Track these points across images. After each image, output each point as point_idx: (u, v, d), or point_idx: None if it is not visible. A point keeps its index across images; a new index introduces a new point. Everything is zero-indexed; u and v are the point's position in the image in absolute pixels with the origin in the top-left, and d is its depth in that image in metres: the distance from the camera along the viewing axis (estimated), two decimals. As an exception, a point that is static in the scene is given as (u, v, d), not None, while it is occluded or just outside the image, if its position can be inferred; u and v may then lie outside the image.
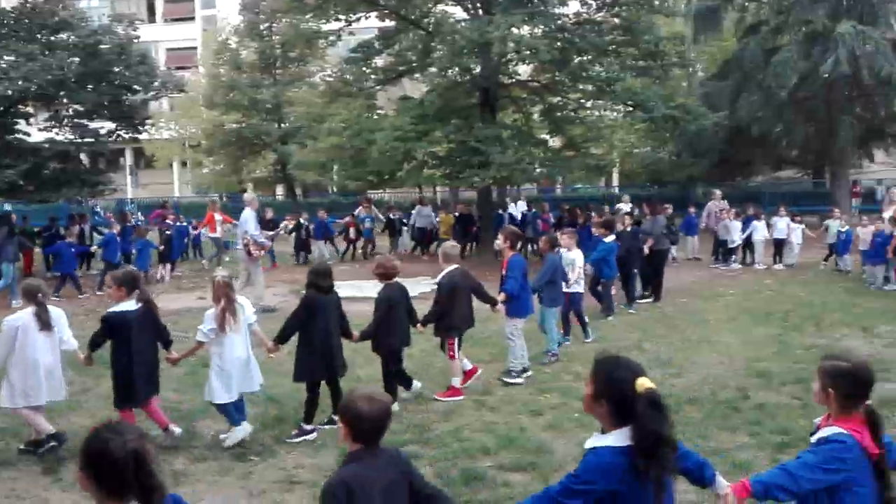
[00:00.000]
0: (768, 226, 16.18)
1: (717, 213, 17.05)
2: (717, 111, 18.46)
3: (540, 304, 8.53)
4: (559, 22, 15.84)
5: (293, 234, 18.34)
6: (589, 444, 2.59)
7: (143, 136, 34.04)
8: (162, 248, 16.36)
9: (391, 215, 20.11)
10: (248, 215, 12.01)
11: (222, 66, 29.45)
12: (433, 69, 15.98)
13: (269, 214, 17.98)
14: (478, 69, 15.63)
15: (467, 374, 7.46)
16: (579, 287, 9.44)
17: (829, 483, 2.69)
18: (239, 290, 11.64)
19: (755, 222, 16.10)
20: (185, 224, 19.06)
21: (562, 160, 16.39)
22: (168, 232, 16.84)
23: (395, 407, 6.70)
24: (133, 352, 5.89)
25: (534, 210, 18.87)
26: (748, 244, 16.39)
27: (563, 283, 8.95)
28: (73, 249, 14.92)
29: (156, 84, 20.07)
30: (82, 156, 23.34)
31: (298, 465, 5.73)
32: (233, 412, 6.09)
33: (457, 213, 18.94)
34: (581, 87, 17.19)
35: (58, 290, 13.61)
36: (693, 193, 28.48)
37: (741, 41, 23.42)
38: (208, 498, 5.20)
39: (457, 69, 15.44)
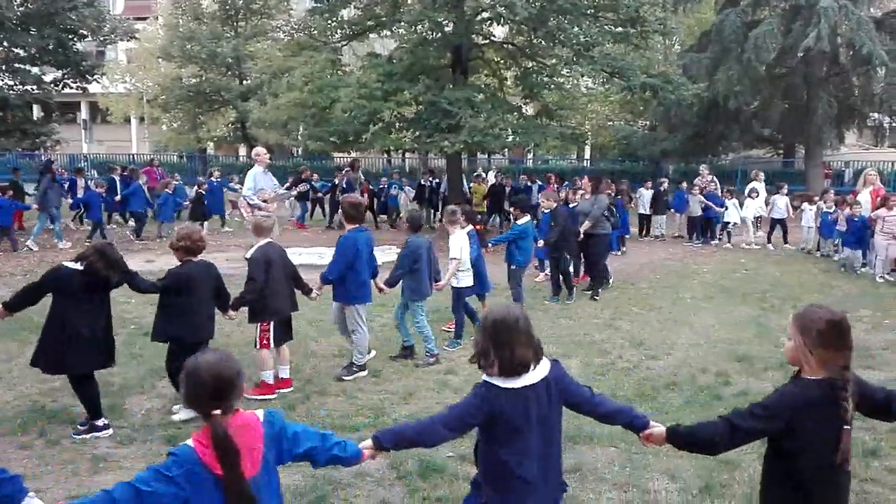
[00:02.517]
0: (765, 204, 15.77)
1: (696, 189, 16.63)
2: (694, 84, 17.91)
3: (402, 297, 7.28)
4: (537, -23, 15.02)
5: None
6: None
7: (98, 90, 32.58)
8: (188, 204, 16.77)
9: (422, 181, 18.86)
10: (251, 172, 10.83)
11: (182, 16, 27.94)
12: (403, 23, 15.02)
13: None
14: (450, 26, 14.73)
15: (281, 382, 6.32)
16: (462, 280, 7.82)
17: (164, 500, 2.33)
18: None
19: (748, 200, 15.66)
20: (220, 180, 17.99)
21: (536, 127, 15.64)
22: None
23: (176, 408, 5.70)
24: None
25: (566, 182, 17.96)
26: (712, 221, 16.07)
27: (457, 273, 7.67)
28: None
29: (105, 29, 18.76)
30: (35, 108, 21.98)
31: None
32: None
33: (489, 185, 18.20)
34: (557, 51, 16.46)
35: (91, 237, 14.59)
36: (664, 169, 28.14)
37: (721, 13, 22.86)
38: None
39: (427, 24, 14.48)
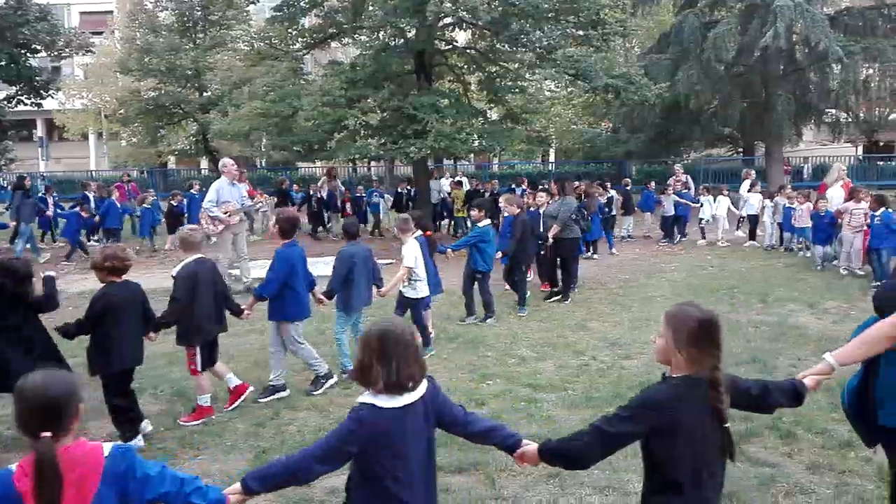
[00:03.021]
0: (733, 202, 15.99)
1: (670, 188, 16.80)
2: (656, 84, 18.09)
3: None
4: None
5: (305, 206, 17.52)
6: None
7: (55, 106, 31.80)
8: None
9: (399, 189, 18.48)
10: (216, 184, 10.53)
11: (139, 28, 27.42)
12: (365, 29, 14.86)
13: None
14: (412, 32, 14.64)
15: (236, 392, 6.10)
16: (419, 290, 7.44)
17: None
18: (227, 266, 10.33)
19: (721, 197, 15.83)
20: (200, 193, 17.39)
21: (502, 131, 15.60)
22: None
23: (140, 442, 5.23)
24: None
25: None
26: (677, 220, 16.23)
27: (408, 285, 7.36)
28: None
29: (60, 44, 18.28)
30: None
31: (205, 473, 4.86)
32: None
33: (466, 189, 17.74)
34: (520, 55, 16.48)
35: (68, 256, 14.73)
36: (628, 170, 28.41)
37: (679, 14, 23.20)
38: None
39: (390, 30, 14.34)
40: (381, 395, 2.55)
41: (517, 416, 5.76)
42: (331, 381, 6.52)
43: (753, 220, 15.63)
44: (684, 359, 2.51)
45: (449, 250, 8.92)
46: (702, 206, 15.87)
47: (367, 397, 2.58)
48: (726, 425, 2.50)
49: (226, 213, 10.36)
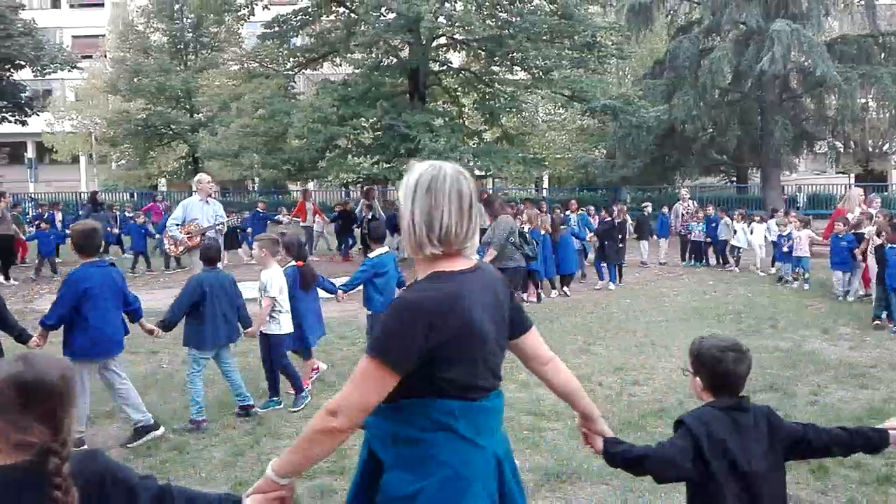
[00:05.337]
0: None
1: (684, 214, 16.29)
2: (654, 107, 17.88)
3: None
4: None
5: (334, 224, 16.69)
6: None
7: (44, 128, 31.48)
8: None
9: None
10: (184, 201, 9.89)
11: (129, 49, 27.18)
12: (358, 48, 14.53)
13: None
14: (406, 50, 14.33)
15: None
16: (279, 325, 6.19)
17: None
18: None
19: (755, 225, 15.11)
20: (265, 212, 17.08)
21: (497, 152, 15.21)
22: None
23: None
24: None
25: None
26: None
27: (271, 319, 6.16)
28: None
29: (44, 60, 17.90)
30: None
31: None
32: None
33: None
34: (515, 77, 16.22)
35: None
36: (623, 196, 28.15)
37: (674, 39, 23.13)
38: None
39: (383, 46, 14.00)
40: None
41: (522, 446, 5.26)
42: (156, 433, 5.49)
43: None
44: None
45: (340, 292, 7.16)
46: (735, 233, 15.23)
47: None
48: None
49: (187, 233, 9.68)
